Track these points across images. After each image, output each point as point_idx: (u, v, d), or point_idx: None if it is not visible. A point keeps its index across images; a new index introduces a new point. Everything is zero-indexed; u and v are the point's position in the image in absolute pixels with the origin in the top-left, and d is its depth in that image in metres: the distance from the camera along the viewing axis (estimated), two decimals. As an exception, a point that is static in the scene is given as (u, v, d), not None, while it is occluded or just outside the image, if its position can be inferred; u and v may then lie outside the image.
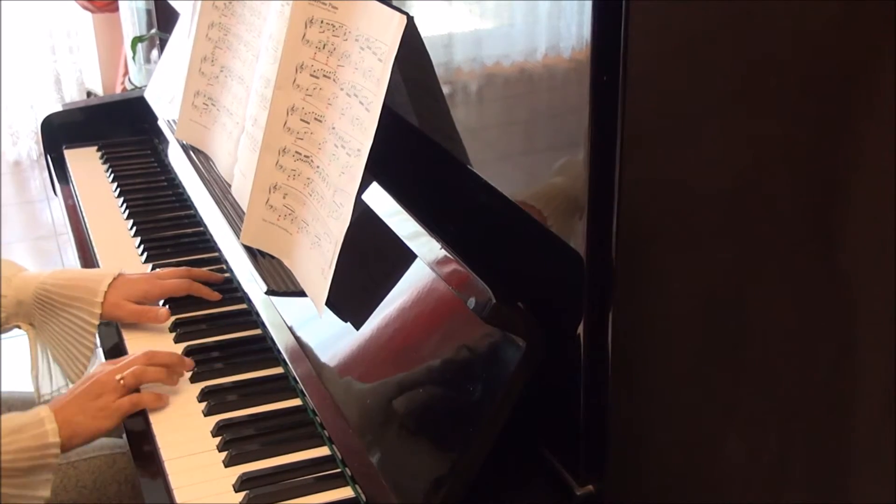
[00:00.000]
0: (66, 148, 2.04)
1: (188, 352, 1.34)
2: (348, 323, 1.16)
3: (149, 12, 3.18)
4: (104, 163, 1.98)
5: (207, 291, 1.46)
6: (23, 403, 1.45)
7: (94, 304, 1.37)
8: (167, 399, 1.26)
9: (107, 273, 1.41)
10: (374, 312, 1.11)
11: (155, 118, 1.82)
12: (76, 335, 1.38)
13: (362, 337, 1.12)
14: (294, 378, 1.24)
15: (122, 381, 1.22)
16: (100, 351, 1.43)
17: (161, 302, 1.45)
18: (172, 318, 1.42)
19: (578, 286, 0.88)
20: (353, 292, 1.16)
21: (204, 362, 1.33)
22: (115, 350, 1.39)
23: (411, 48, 1.08)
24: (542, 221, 0.93)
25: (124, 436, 1.27)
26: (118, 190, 1.85)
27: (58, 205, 1.96)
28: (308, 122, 1.21)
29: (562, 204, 0.90)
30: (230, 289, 1.50)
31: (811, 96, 0.86)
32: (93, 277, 1.40)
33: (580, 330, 0.89)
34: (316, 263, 1.18)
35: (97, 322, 1.38)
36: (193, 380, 1.30)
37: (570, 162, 0.87)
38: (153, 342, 1.38)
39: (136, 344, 1.38)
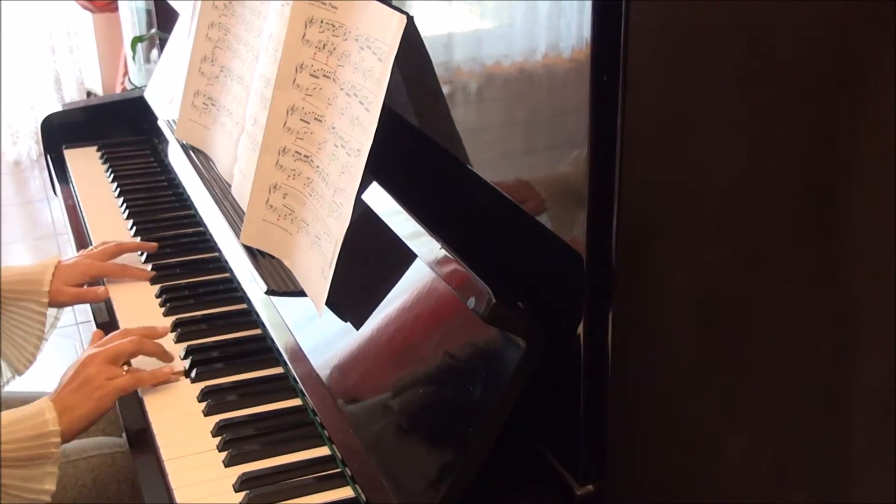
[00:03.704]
0: (66, 148, 2.04)
1: (188, 352, 1.34)
2: (348, 323, 1.16)
3: (149, 12, 3.18)
4: (104, 163, 1.98)
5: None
6: (22, 403, 1.45)
7: (42, 293, 1.44)
8: (166, 374, 1.28)
9: (47, 263, 1.48)
10: (374, 312, 1.11)
11: (155, 118, 1.82)
12: (25, 327, 1.45)
13: (362, 337, 1.12)
14: (294, 378, 1.24)
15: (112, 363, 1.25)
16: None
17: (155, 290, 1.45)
18: (172, 319, 1.43)
19: (578, 285, 0.88)
20: (353, 292, 1.16)
21: (204, 362, 1.32)
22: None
23: (411, 48, 1.08)
24: (542, 207, 0.93)
25: (124, 435, 1.27)
26: (118, 190, 1.85)
27: (58, 205, 1.96)
28: (308, 122, 1.21)
29: (561, 189, 0.90)
30: (230, 289, 1.50)
31: (811, 96, 0.86)
32: (35, 269, 1.47)
33: (580, 330, 0.89)
34: (316, 263, 1.18)
35: (46, 311, 1.45)
36: (193, 380, 1.30)
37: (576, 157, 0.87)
38: (153, 342, 1.38)
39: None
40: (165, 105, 1.79)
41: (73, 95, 4.27)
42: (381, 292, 1.11)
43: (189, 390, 1.28)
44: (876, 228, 0.94)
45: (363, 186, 1.12)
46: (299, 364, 1.21)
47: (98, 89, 4.33)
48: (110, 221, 1.75)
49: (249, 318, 1.42)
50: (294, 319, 1.26)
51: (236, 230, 1.32)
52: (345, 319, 1.17)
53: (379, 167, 1.12)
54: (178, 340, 1.38)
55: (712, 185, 0.86)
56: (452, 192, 1.13)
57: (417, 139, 1.14)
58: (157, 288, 1.52)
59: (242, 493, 1.09)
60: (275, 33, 1.33)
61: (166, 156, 1.90)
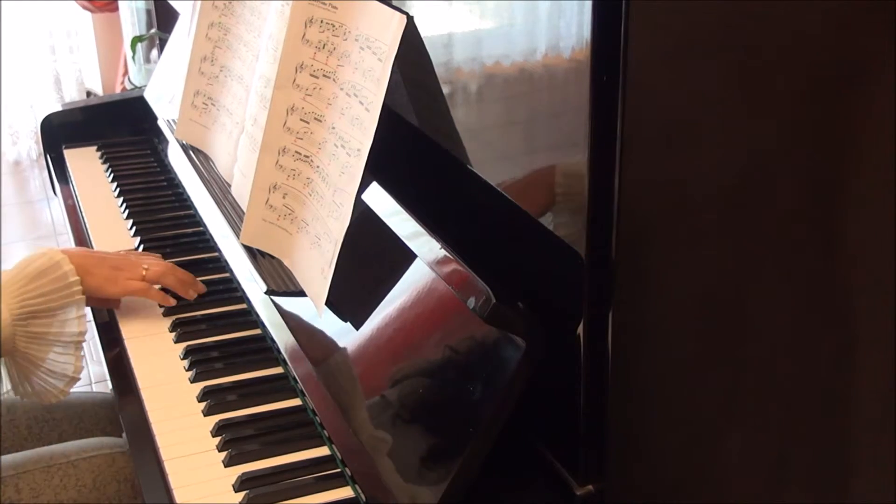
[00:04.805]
0: (66, 148, 2.04)
1: (188, 352, 1.35)
2: (348, 323, 1.16)
3: (149, 12, 3.19)
4: (104, 163, 1.98)
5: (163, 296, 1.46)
6: (30, 403, 1.45)
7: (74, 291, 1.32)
8: (172, 301, 1.43)
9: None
10: (374, 312, 1.11)
11: (155, 118, 1.82)
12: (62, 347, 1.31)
13: (362, 337, 1.12)
14: (294, 378, 1.24)
15: (145, 270, 1.40)
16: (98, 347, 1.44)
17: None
18: (172, 319, 1.42)
19: (578, 286, 0.88)
20: (353, 292, 1.16)
21: (204, 362, 1.33)
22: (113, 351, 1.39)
23: (411, 48, 1.08)
24: (541, 207, 0.93)
25: (124, 435, 1.27)
26: (118, 190, 1.85)
27: (57, 205, 1.96)
28: (308, 122, 1.21)
29: (561, 189, 0.90)
30: (230, 289, 1.50)
31: (811, 96, 0.86)
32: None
33: (580, 330, 0.89)
34: (316, 263, 1.18)
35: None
36: (193, 380, 1.30)
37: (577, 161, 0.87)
38: (151, 342, 1.38)
39: (134, 344, 1.38)
40: (165, 105, 1.79)
41: (72, 95, 4.27)
42: (381, 292, 1.11)
43: (189, 390, 1.28)
44: (876, 228, 0.94)
45: (363, 186, 1.12)
46: (299, 364, 1.21)
47: (98, 89, 4.34)
48: (110, 221, 1.75)
49: (249, 318, 1.42)
50: (294, 319, 1.26)
51: (236, 230, 1.32)
52: (345, 319, 1.17)
53: (379, 167, 1.12)
54: (178, 340, 1.38)
55: (712, 184, 0.86)
56: (452, 192, 1.13)
57: (417, 139, 1.14)
58: (156, 288, 1.51)
59: (242, 493, 1.09)
60: (275, 33, 1.33)
61: (166, 156, 1.90)
